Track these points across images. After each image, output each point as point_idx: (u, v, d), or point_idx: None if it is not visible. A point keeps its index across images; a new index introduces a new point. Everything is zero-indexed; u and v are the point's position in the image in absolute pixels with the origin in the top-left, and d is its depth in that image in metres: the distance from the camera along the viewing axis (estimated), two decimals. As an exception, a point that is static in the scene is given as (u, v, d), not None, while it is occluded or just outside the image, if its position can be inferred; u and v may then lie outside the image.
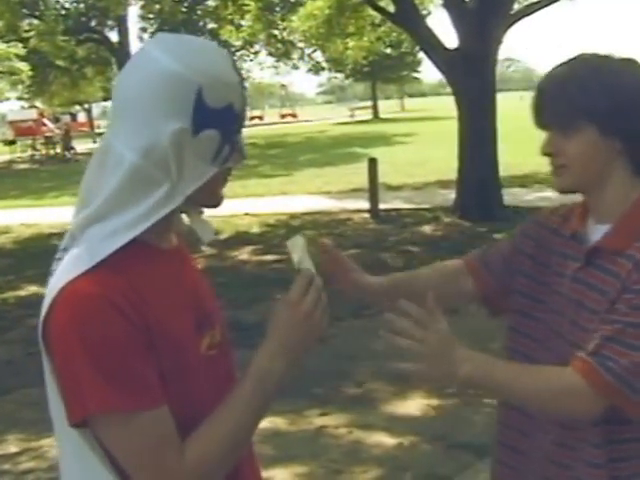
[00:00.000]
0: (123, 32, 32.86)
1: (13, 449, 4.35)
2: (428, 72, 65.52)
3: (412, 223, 10.98)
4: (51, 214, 13.67)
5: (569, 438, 1.48)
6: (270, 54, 34.49)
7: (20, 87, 38.61)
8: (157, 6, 32.76)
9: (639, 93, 1.43)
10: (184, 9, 34.09)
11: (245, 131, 1.26)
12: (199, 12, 34.51)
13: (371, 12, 15.55)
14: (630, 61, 1.48)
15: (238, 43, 33.35)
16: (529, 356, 1.54)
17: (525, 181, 14.34)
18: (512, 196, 11.86)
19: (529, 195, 12.75)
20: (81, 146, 34.41)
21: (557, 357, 1.47)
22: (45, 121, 41.14)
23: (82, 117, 58.63)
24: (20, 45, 25.90)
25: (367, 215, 11.61)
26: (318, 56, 38.12)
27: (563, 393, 1.39)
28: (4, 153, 36.32)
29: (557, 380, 1.40)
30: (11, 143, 37.01)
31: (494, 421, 1.68)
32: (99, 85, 40.20)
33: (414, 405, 4.54)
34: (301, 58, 34.43)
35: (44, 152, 33.61)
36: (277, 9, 25.52)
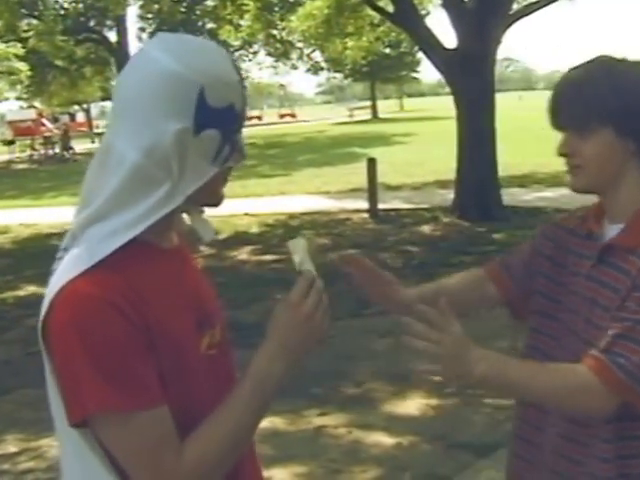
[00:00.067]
0: (122, 32, 32.85)
1: (12, 449, 4.35)
2: (427, 72, 65.92)
3: (411, 223, 10.99)
4: (50, 214, 13.67)
5: (581, 434, 1.50)
6: (269, 54, 34.47)
7: (19, 87, 38.57)
8: (156, 6, 32.76)
9: None
10: (183, 9, 34.09)
11: (244, 131, 1.27)
12: (198, 12, 34.51)
13: (370, 12, 15.55)
14: None
15: (237, 43, 33.34)
16: (547, 354, 1.57)
17: (524, 181, 14.35)
18: (511, 196, 11.87)
19: (528, 195, 12.77)
20: (80, 146, 34.41)
21: (572, 355, 1.49)
22: (44, 121, 41.15)
23: (81, 117, 58.60)
24: (19, 45, 25.88)
25: (366, 215, 11.61)
26: (317, 56, 38.11)
27: (577, 391, 1.41)
28: (3, 153, 36.31)
29: (570, 378, 1.42)
30: (10, 143, 36.99)
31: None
32: (98, 85, 40.17)
33: (413, 405, 4.54)
34: (300, 58, 34.39)
35: (43, 152, 33.60)
36: (276, 9, 25.49)
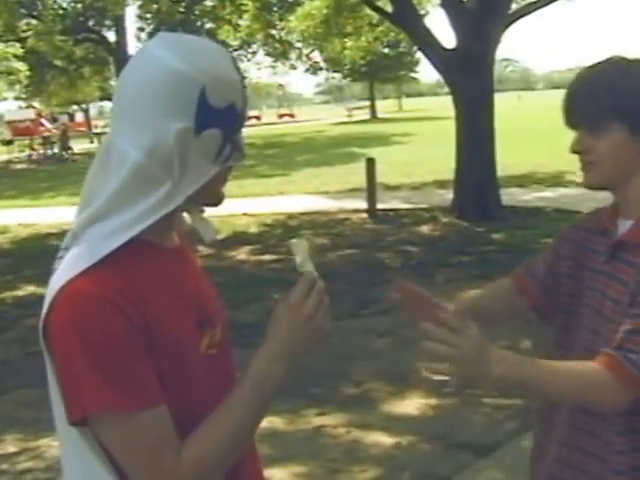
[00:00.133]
0: (121, 32, 32.83)
1: (11, 449, 4.35)
2: (426, 72, 65.95)
3: (410, 223, 10.99)
4: (48, 214, 13.68)
5: (593, 425, 1.55)
6: (268, 54, 34.46)
7: (18, 87, 38.56)
8: (155, 6, 32.71)
9: None
10: (182, 9, 34.04)
11: (242, 131, 1.27)
12: (197, 12, 34.45)
13: (369, 12, 15.55)
14: None
15: (235, 43, 33.32)
16: (567, 349, 1.62)
17: (523, 181, 14.36)
18: (510, 196, 11.88)
19: (527, 195, 12.77)
20: (78, 146, 34.41)
21: (584, 349, 1.54)
22: (43, 121, 41.15)
23: (80, 117, 58.56)
24: (18, 45, 25.87)
25: (365, 215, 11.61)
26: (316, 56, 38.09)
27: (592, 388, 1.45)
28: (1, 153, 36.30)
29: (585, 375, 1.46)
30: (9, 143, 36.99)
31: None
32: (96, 85, 40.16)
33: (412, 405, 4.54)
34: (299, 58, 34.37)
35: (42, 152, 33.58)
36: (275, 9, 25.47)
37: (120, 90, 1.20)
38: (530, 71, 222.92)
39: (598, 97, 1.48)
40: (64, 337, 1.12)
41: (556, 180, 14.33)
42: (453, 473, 3.73)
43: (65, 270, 1.15)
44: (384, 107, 71.35)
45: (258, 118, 66.19)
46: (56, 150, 32.75)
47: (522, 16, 11.76)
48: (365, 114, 58.99)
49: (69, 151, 31.71)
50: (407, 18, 11.74)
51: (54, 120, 43.18)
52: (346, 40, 19.17)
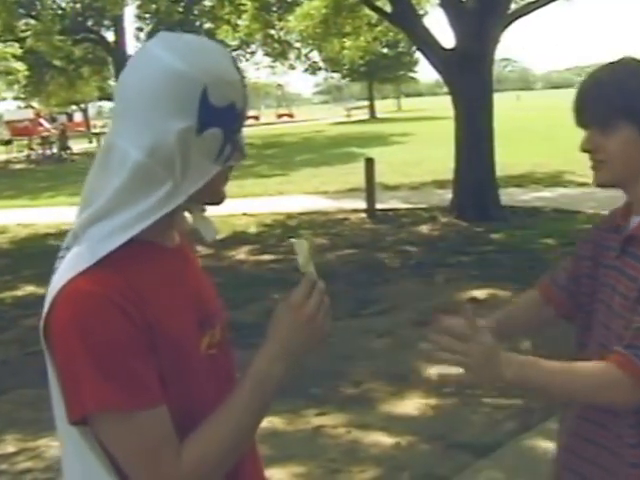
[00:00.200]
0: (119, 32, 32.82)
1: (10, 449, 4.35)
2: (425, 72, 65.97)
3: (409, 223, 10.99)
4: (47, 214, 13.68)
5: (603, 418, 1.57)
6: (267, 54, 34.43)
7: (16, 87, 38.57)
8: (153, 6, 32.71)
9: None
10: (180, 9, 34.03)
11: (242, 131, 1.27)
12: (196, 12, 34.45)
13: (368, 12, 15.55)
14: None
15: (234, 43, 33.31)
16: (584, 346, 1.65)
17: (522, 181, 14.37)
18: (509, 196, 11.88)
19: (526, 195, 12.78)
20: (77, 146, 34.39)
21: (598, 344, 1.57)
22: (41, 121, 41.13)
23: (78, 117, 58.55)
24: (17, 45, 25.87)
25: (364, 215, 11.61)
26: (315, 56, 38.10)
27: (603, 386, 1.47)
28: (0, 153, 36.27)
29: (597, 374, 1.48)
30: (7, 143, 36.98)
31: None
32: (95, 85, 40.16)
33: (412, 405, 4.54)
34: (298, 58, 34.35)
35: (40, 152, 33.56)
36: (274, 9, 25.46)
37: (120, 90, 1.20)
38: (529, 71, 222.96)
39: (608, 97, 1.51)
40: (65, 336, 1.12)
41: (555, 180, 14.34)
42: (452, 473, 3.72)
43: (66, 270, 1.15)
44: (383, 107, 71.34)
45: (257, 118, 66.13)
46: (55, 150, 32.72)
47: (521, 16, 11.77)
48: (364, 114, 58.97)
49: (68, 151, 31.68)
50: (406, 18, 11.74)
51: (53, 120, 43.15)
52: (345, 40, 19.18)
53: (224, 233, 10.53)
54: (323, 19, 17.43)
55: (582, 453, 1.63)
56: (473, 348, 1.39)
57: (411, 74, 63.01)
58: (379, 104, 69.44)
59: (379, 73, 55.35)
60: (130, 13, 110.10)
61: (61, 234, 10.70)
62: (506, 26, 11.40)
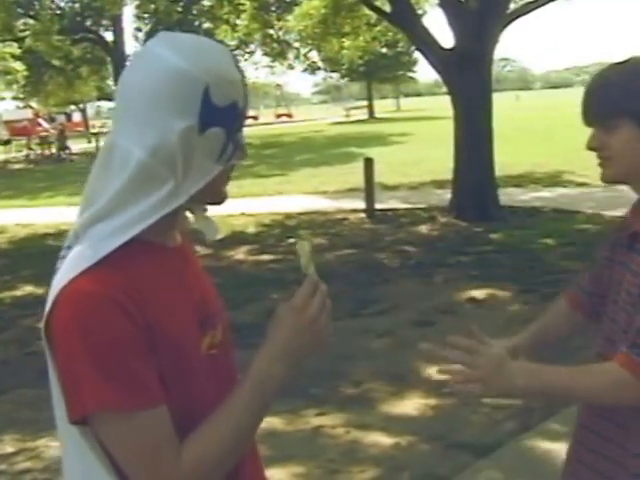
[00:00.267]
0: (118, 32, 32.84)
1: (9, 449, 4.34)
2: (424, 72, 65.99)
3: (408, 223, 10.98)
4: (46, 214, 13.67)
5: (607, 430, 1.60)
6: (266, 54, 34.43)
7: (15, 87, 38.59)
8: (152, 6, 32.71)
9: None
10: (179, 8, 34.05)
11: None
12: (194, 12, 34.46)
13: (367, 12, 15.56)
14: None
15: (233, 43, 33.31)
16: (597, 344, 1.68)
17: (521, 181, 14.37)
18: (508, 196, 11.88)
19: (525, 195, 12.78)
20: (76, 146, 34.36)
21: (606, 339, 1.61)
22: (40, 121, 41.15)
23: (77, 117, 58.54)
24: (15, 45, 25.88)
25: (363, 215, 11.61)
26: (314, 56, 38.09)
27: (610, 387, 1.50)
28: (-1, 153, 36.29)
29: (603, 375, 1.51)
30: (6, 143, 36.97)
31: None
32: (94, 85, 40.21)
33: (411, 405, 4.53)
34: (297, 58, 34.36)
35: (39, 152, 33.55)
36: (273, 9, 25.47)
37: (122, 90, 1.19)
38: (528, 71, 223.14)
39: (611, 95, 1.54)
40: (66, 336, 1.12)
41: (554, 180, 14.34)
42: (452, 473, 3.72)
43: (67, 269, 1.15)
44: (382, 107, 71.36)
45: (255, 118, 66.15)
46: (53, 150, 32.71)
47: (520, 16, 11.77)
48: (363, 114, 58.98)
49: (66, 151, 31.63)
50: (405, 18, 11.74)
51: (51, 120, 43.12)
52: (344, 40, 19.18)
53: (223, 233, 10.52)
54: (322, 19, 17.44)
55: (585, 461, 1.65)
56: (478, 360, 1.42)
57: (410, 74, 63.07)
58: (378, 104, 69.49)
59: (378, 73, 55.40)
60: (129, 13, 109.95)
61: (60, 234, 10.69)
62: (505, 26, 11.39)
